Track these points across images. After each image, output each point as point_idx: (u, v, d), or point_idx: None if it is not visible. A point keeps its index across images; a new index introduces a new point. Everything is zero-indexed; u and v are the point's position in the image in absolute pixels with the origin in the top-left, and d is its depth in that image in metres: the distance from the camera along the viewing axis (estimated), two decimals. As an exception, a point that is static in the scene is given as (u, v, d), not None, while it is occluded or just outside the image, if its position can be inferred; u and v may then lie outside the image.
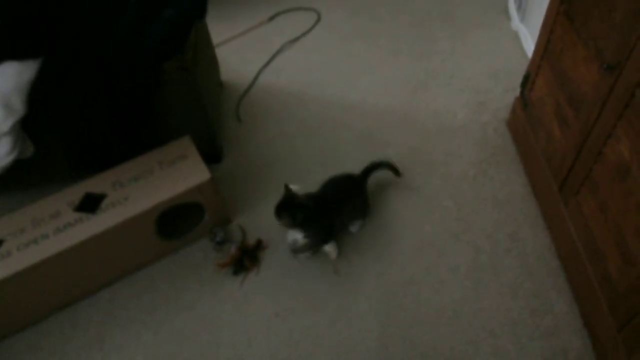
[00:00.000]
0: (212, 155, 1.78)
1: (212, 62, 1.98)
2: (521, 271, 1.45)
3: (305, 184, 1.71)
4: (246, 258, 1.53)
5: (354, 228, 1.56)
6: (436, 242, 1.54)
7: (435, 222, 1.59)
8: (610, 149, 1.17)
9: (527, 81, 1.67)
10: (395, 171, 1.65)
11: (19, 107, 1.37)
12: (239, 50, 2.30)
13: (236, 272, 1.52)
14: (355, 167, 1.66)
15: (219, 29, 2.27)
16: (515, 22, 2.26)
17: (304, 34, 2.36)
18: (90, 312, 1.47)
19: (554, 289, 1.40)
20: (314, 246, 1.47)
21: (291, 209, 1.37)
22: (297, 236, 1.42)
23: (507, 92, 1.96)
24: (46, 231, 1.37)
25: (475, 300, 1.40)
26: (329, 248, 1.49)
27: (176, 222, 1.54)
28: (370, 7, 2.49)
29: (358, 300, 1.43)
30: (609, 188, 1.18)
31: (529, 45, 2.09)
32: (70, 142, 1.56)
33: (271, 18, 2.46)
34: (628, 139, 1.09)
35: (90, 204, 1.42)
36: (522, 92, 1.72)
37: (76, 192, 1.46)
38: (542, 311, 1.36)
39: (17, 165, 1.47)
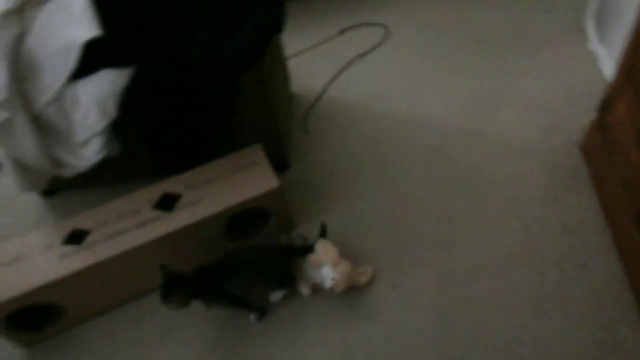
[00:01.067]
0: (279, 163, 1.85)
1: (284, 74, 2.06)
2: (590, 302, 1.39)
3: (367, 201, 1.74)
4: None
5: (273, 297, 1.51)
6: (499, 264, 1.51)
7: (499, 243, 1.56)
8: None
9: (606, 105, 1.61)
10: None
11: (112, 110, 1.49)
12: (309, 62, 2.37)
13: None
14: (417, 184, 1.68)
15: (291, 41, 2.34)
16: (593, 42, 2.18)
17: (372, 49, 2.40)
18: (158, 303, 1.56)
19: (625, 324, 1.34)
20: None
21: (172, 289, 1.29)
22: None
23: (581, 114, 1.89)
24: (127, 226, 1.48)
25: (537, 328, 1.36)
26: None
27: (244, 225, 1.61)
28: (439, 23, 2.49)
29: (414, 316, 1.43)
30: (694, 222, 1.12)
31: (607, 67, 2.01)
32: (151, 145, 1.68)
33: (341, 32, 2.52)
34: None
35: (167, 203, 1.52)
36: (599, 116, 1.65)
37: (155, 191, 1.57)
38: (612, 346, 1.30)
39: (104, 163, 1.61)
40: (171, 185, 1.58)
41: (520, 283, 1.46)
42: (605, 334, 1.32)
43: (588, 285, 1.42)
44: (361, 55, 2.37)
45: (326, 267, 1.40)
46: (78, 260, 1.42)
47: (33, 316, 1.48)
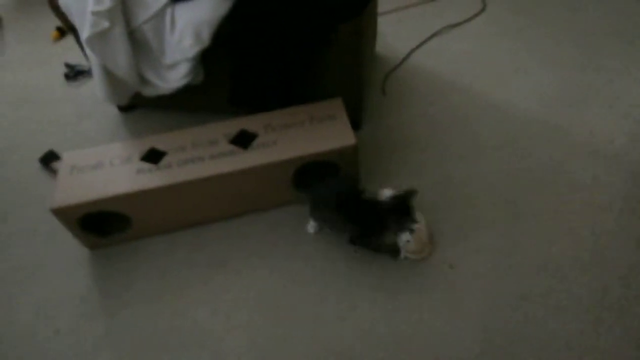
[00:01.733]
0: (352, 121, 1.82)
1: (374, 31, 2.00)
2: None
3: (433, 175, 1.71)
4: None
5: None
6: (562, 267, 1.47)
7: (565, 246, 1.52)
8: None
9: None
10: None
11: (206, 38, 1.49)
12: (397, 24, 2.29)
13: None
14: (489, 169, 1.63)
15: (383, -1, 2.28)
16: None
17: (465, 21, 2.29)
18: (220, 236, 1.61)
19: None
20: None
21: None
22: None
23: (678, 129, 1.77)
24: (202, 154, 1.51)
25: (592, 338, 1.33)
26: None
27: (312, 176, 1.62)
28: (538, 7, 2.34)
29: (466, 300, 1.43)
30: None
31: None
32: (236, 79, 1.68)
33: (435, -2, 2.42)
34: None
35: (243, 140, 1.54)
36: (703, 136, 1.54)
37: (233, 126, 1.59)
38: (666, 372, 1.27)
39: (186, 90, 1.63)
40: (250, 123, 1.59)
41: (581, 291, 1.42)
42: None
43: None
44: (452, 26, 2.27)
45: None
46: (153, 178, 1.47)
47: (102, 222, 1.56)
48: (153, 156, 1.52)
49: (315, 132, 1.55)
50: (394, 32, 2.23)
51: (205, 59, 1.61)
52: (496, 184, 1.68)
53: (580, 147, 1.77)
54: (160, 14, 1.49)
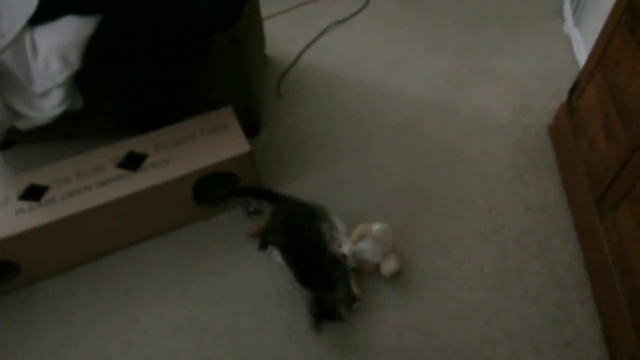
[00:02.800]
0: (250, 127, 1.80)
1: (260, 35, 1.99)
2: (547, 279, 1.45)
3: (337, 170, 1.73)
4: (274, 233, 1.57)
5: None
6: (464, 240, 1.55)
7: (466, 219, 1.59)
8: (659, 168, 1.15)
9: (576, 88, 1.64)
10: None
11: (75, 61, 1.41)
12: (285, 25, 2.30)
13: (263, 247, 1.55)
14: (388, 155, 1.68)
15: (268, 1, 2.27)
16: (569, 26, 2.20)
17: (351, 16, 2.34)
18: (122, 265, 1.53)
19: (578, 300, 1.40)
20: None
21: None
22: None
23: (553, 97, 1.92)
24: (89, 183, 1.42)
25: (497, 302, 1.41)
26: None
27: (212, 189, 1.58)
28: (420, -3, 2.45)
29: (377, 287, 1.46)
30: (651, 207, 1.17)
31: (581, 51, 2.03)
32: (117, 101, 1.60)
33: (320, -4, 2.45)
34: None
35: (132, 162, 1.47)
36: (569, 99, 1.68)
37: (119, 149, 1.51)
38: (564, 321, 1.36)
39: (65, 117, 1.53)
40: (137, 144, 1.52)
41: (483, 259, 1.50)
42: (559, 309, 1.38)
43: (546, 263, 1.48)
44: (339, 22, 2.31)
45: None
46: (35, 216, 1.36)
47: (-14, 273, 1.42)
48: (33, 193, 1.41)
49: (208, 144, 1.51)
50: (283, 34, 2.24)
51: (81, 82, 1.51)
52: (397, 169, 1.73)
53: (469, 125, 1.87)
54: (17, 41, 1.39)
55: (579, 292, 1.41)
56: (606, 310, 1.34)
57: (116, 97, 1.60)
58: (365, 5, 2.40)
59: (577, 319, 1.36)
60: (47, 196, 1.40)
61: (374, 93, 2.00)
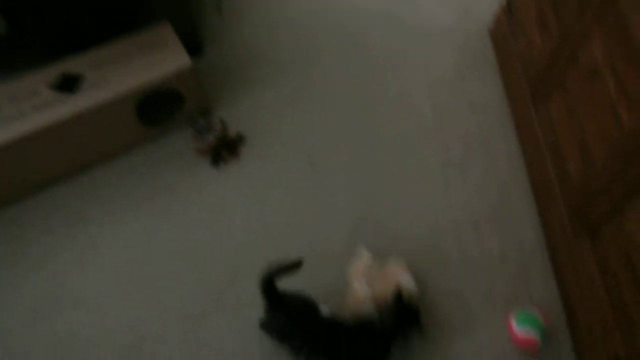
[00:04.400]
0: (191, 46, 1.74)
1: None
2: (488, 173, 1.53)
3: (284, 83, 1.72)
4: (224, 150, 1.57)
5: None
6: (410, 139, 1.60)
7: (411, 120, 1.64)
8: (585, 52, 1.20)
9: (514, -14, 1.66)
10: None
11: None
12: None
13: (215, 163, 1.56)
14: (335, 67, 1.67)
15: None
16: None
17: None
18: (72, 192, 1.50)
19: (516, 189, 1.50)
20: None
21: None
22: None
23: (494, 0, 1.94)
24: (24, 109, 1.35)
25: (443, 196, 1.49)
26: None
27: (157, 110, 1.54)
28: None
29: (333, 193, 1.51)
30: (578, 91, 1.24)
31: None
32: (45, 21, 1.50)
33: None
34: (601, 39, 1.13)
35: (68, 84, 1.40)
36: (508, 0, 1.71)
37: (53, 72, 1.43)
38: (503, 209, 1.46)
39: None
40: (71, 65, 1.45)
41: (429, 156, 1.57)
42: (501, 199, 1.48)
43: (488, 158, 1.56)
44: None
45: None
46: (-31, 146, 1.30)
47: None
48: (-37, 122, 1.33)
49: (147, 61, 1.45)
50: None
51: (5, 5, 1.40)
52: (345, 80, 1.74)
53: (414, 30, 1.88)
54: None
55: (517, 181, 1.51)
56: (541, 192, 1.44)
57: (43, 17, 1.49)
58: None
59: (516, 205, 1.47)
60: (-20, 125, 1.33)
61: (319, 5, 1.95)
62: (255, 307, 1.17)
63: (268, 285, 1.09)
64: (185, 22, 1.66)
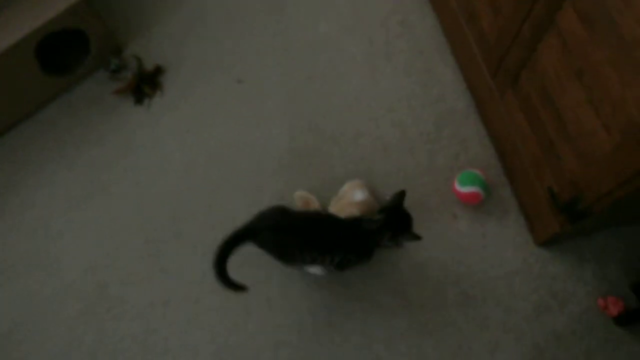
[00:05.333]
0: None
1: None
2: (412, 52, 1.54)
3: (191, 2, 1.62)
4: (145, 85, 1.50)
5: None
6: (331, 39, 1.57)
7: (330, 20, 1.61)
8: None
9: None
10: None
11: None
12: None
13: (138, 101, 1.50)
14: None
15: None
16: None
17: None
18: (-5, 161, 1.43)
19: (441, 62, 1.52)
20: None
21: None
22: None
23: None
24: None
25: (373, 85, 1.50)
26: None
27: (63, 55, 1.45)
28: None
29: (263, 102, 1.49)
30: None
31: None
32: None
33: None
34: None
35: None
36: None
37: None
38: (432, 83, 1.49)
39: None
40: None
41: (353, 50, 1.55)
42: (426, 74, 1.50)
43: (410, 38, 1.56)
44: None
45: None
46: None
47: None
48: None
49: (37, 2, 1.33)
50: None
51: None
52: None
53: None
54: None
55: (440, 55, 1.53)
56: (463, 60, 1.46)
57: None
58: None
59: (443, 78, 1.49)
60: None
61: None
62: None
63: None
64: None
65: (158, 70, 1.53)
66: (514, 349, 1.17)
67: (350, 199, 1.26)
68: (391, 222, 1.08)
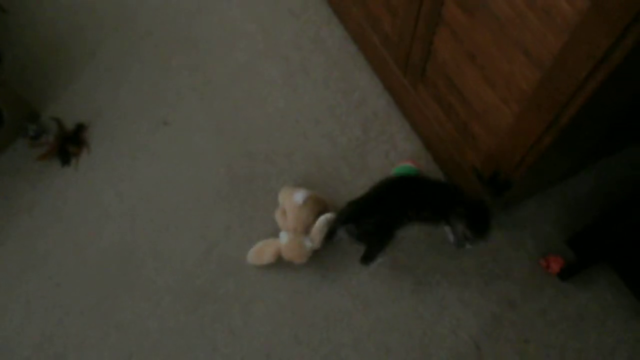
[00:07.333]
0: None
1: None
2: (328, 64, 1.60)
3: (103, 56, 1.64)
4: (69, 145, 1.48)
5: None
6: (249, 65, 1.61)
7: (244, 48, 1.65)
8: None
9: None
10: None
11: None
12: None
13: (65, 162, 1.47)
14: (155, 21, 1.61)
15: None
16: None
17: None
18: None
19: (356, 69, 1.58)
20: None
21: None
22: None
23: None
24: None
25: (296, 102, 1.54)
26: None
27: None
28: None
29: (193, 139, 1.50)
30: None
31: None
32: None
33: None
34: None
35: None
36: None
37: None
38: (351, 90, 1.55)
39: None
40: None
41: (272, 73, 1.59)
42: (344, 82, 1.56)
43: (323, 52, 1.62)
44: None
45: None
46: None
47: None
48: None
49: None
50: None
51: None
52: (164, 33, 1.68)
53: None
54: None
55: (354, 62, 1.59)
56: (376, 63, 1.54)
57: None
58: None
59: (360, 83, 1.56)
60: None
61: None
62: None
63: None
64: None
65: (80, 128, 1.51)
66: (474, 321, 1.23)
67: (294, 204, 1.27)
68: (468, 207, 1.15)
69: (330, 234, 1.21)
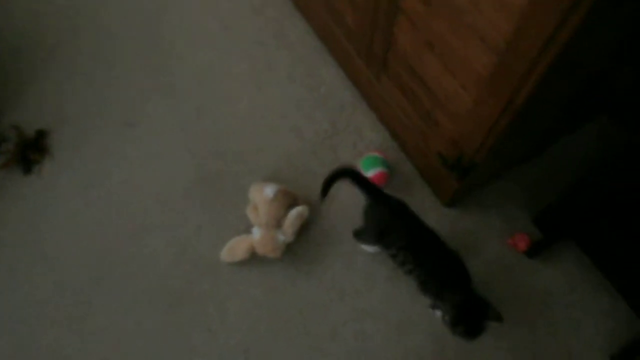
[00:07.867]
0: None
1: None
2: (292, 59, 1.60)
3: (64, 61, 1.59)
4: (30, 152, 1.44)
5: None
6: (213, 64, 1.60)
7: (207, 47, 1.63)
8: None
9: None
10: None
11: None
12: None
13: (27, 170, 1.43)
14: (117, 21, 1.58)
15: None
16: None
17: None
18: None
19: (321, 63, 1.59)
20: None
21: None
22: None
23: None
24: None
25: (262, 99, 1.54)
26: None
27: None
28: None
29: (160, 140, 1.48)
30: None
31: None
32: None
33: None
34: None
35: None
36: None
37: None
38: (317, 84, 1.56)
39: None
40: None
41: (237, 71, 1.59)
42: (311, 77, 1.57)
43: (287, 47, 1.62)
44: None
45: None
46: None
47: None
48: None
49: None
50: None
51: None
52: (127, 38, 1.66)
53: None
54: None
55: (319, 57, 1.60)
56: (340, 57, 1.55)
57: None
58: None
59: (326, 78, 1.57)
60: None
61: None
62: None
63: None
64: None
65: (41, 134, 1.48)
66: (448, 304, 1.25)
67: (265, 199, 1.27)
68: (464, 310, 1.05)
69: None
